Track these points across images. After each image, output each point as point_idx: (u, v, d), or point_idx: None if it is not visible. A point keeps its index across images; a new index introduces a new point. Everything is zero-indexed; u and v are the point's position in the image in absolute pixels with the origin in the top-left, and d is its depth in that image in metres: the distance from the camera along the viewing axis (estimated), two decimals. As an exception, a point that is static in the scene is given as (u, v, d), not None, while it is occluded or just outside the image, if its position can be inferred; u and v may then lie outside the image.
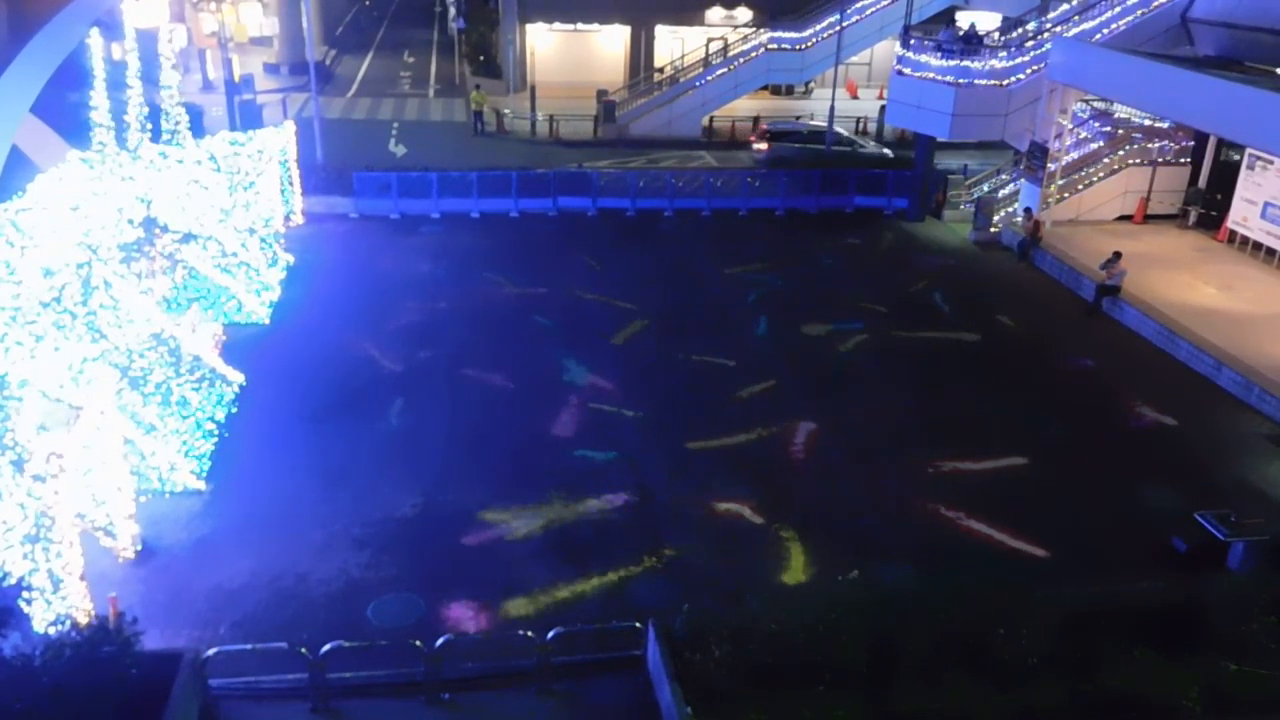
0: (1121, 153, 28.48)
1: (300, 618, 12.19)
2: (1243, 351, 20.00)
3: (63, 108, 26.05)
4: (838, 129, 34.00)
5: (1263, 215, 25.46)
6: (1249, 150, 25.37)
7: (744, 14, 44.30)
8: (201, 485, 14.64)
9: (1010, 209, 29.11)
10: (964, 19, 37.11)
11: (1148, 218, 28.66)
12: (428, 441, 16.36)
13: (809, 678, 10.44)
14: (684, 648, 10.81)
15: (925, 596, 11.66)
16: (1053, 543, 14.40)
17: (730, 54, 39.94)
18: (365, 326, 20.62)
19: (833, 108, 36.02)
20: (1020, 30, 28.73)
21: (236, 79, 36.57)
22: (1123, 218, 28.78)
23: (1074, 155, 28.32)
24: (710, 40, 43.40)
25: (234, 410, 16.70)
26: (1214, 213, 27.77)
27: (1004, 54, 27.19)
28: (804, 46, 39.69)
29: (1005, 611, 11.27)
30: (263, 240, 22.23)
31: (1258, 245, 25.80)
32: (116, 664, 9.61)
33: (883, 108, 36.39)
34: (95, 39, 19.05)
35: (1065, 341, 21.63)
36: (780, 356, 20.17)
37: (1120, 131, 29.03)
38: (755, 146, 34.51)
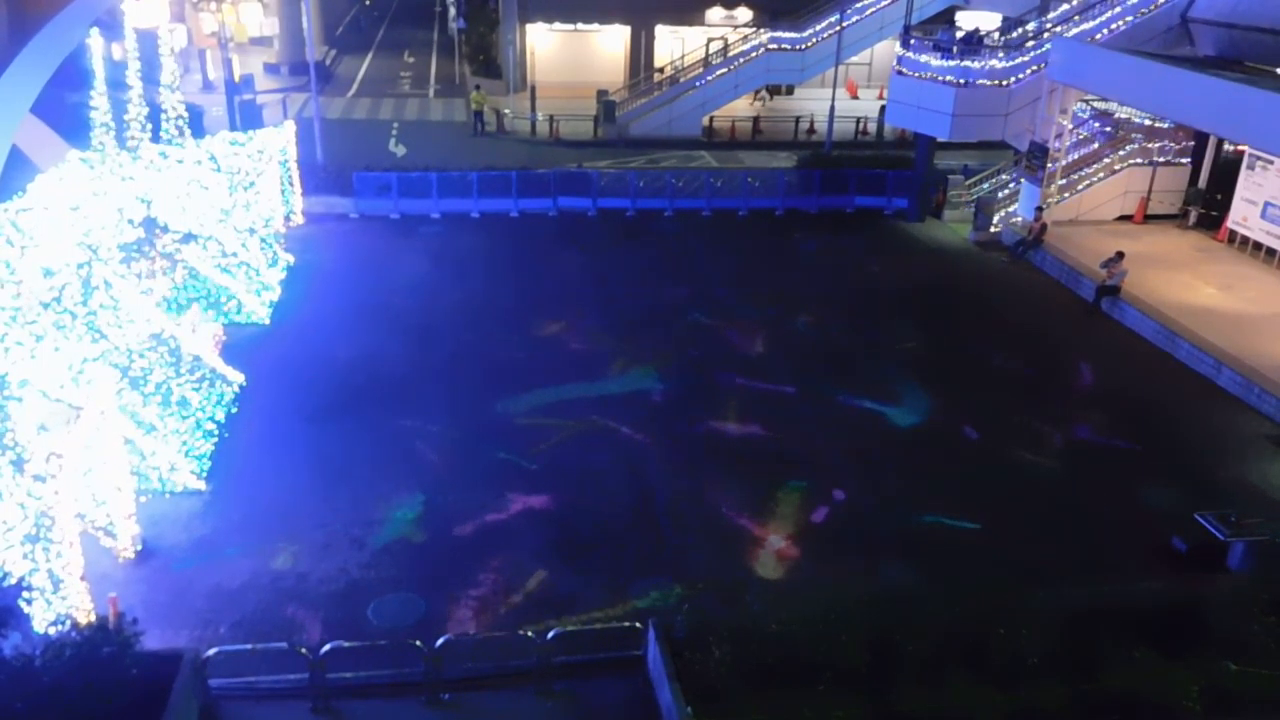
0: (1121, 153, 28.49)
1: (300, 618, 12.20)
2: (1243, 351, 19.99)
3: (63, 108, 26.08)
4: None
5: (1263, 215, 25.45)
6: (1249, 150, 25.36)
7: (744, 14, 44.30)
8: (201, 485, 14.63)
9: (1010, 209, 29.13)
10: (964, 19, 37.16)
11: (1148, 218, 28.65)
12: (428, 441, 16.36)
13: (809, 678, 10.44)
14: (684, 648, 10.82)
15: (925, 596, 11.67)
16: (1052, 542, 14.42)
17: (730, 54, 39.95)
18: (365, 326, 20.61)
19: (833, 108, 36.10)
20: (1020, 30, 28.73)
21: (236, 79, 36.61)
22: (1123, 218, 28.78)
23: (1074, 155, 28.32)
24: (710, 40, 43.42)
25: (234, 410, 16.70)
26: (1214, 213, 27.76)
27: (1004, 54, 27.19)
28: (804, 46, 39.71)
29: (1005, 611, 11.28)
30: (263, 240, 22.24)
31: (1258, 245, 25.79)
32: (117, 664, 9.62)
33: (883, 108, 36.38)
34: (95, 39, 19.07)
35: (1065, 342, 21.62)
36: (778, 353, 20.21)
37: (1120, 131, 29.04)
38: None
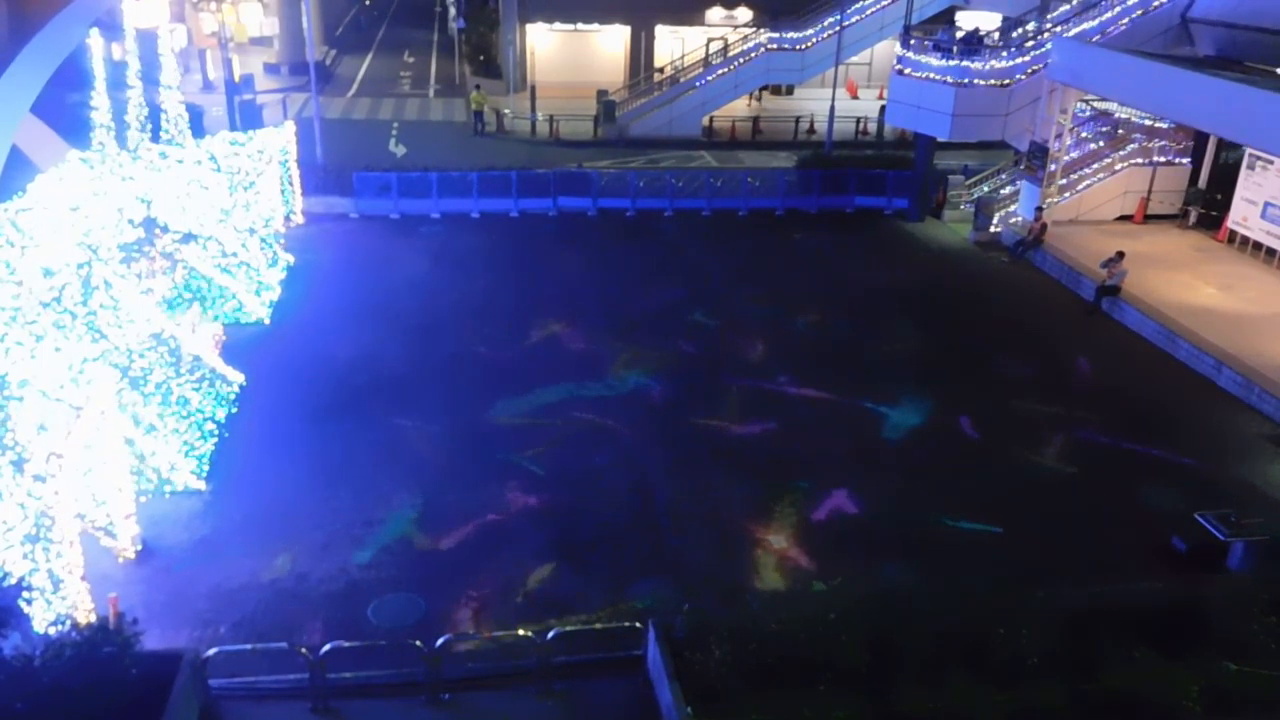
0: (1121, 153, 28.48)
1: (300, 618, 12.19)
2: (1243, 351, 19.98)
3: (63, 108, 26.07)
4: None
5: (1263, 215, 25.45)
6: (1249, 150, 25.36)
7: (744, 14, 44.30)
8: (201, 485, 14.63)
9: (1010, 209, 29.12)
10: (964, 19, 37.16)
11: (1148, 218, 28.65)
12: (428, 441, 16.36)
13: (809, 678, 10.44)
14: (684, 648, 10.81)
15: (925, 596, 11.66)
16: (1052, 542, 14.41)
17: (730, 54, 39.96)
18: (365, 326, 20.60)
19: (833, 108, 36.09)
20: (1020, 30, 28.72)
21: (236, 79, 36.60)
22: (1123, 218, 28.79)
23: (1074, 155, 28.31)
24: (710, 40, 43.42)
25: (234, 410, 16.70)
26: (1214, 213, 27.76)
27: (1004, 54, 27.18)
28: (804, 46, 39.71)
29: (1005, 611, 11.27)
30: (263, 240, 22.24)
31: (1258, 245, 25.78)
32: (117, 664, 9.62)
33: (883, 108, 36.38)
34: (95, 39, 19.07)
35: (1065, 342, 21.61)
36: (781, 352, 20.20)
37: (1120, 131, 29.04)
38: None
